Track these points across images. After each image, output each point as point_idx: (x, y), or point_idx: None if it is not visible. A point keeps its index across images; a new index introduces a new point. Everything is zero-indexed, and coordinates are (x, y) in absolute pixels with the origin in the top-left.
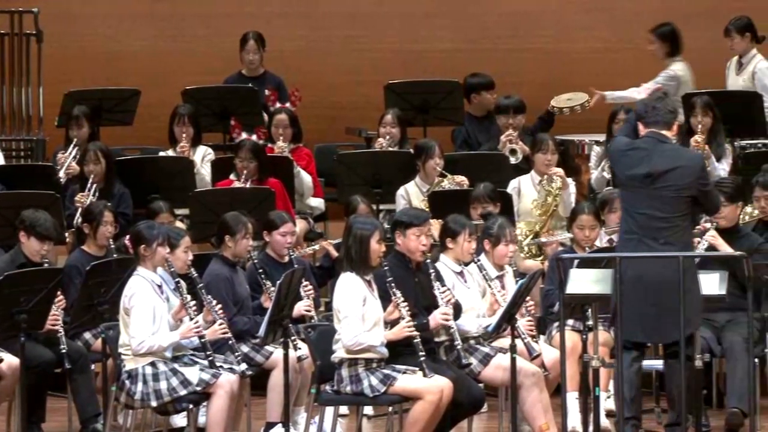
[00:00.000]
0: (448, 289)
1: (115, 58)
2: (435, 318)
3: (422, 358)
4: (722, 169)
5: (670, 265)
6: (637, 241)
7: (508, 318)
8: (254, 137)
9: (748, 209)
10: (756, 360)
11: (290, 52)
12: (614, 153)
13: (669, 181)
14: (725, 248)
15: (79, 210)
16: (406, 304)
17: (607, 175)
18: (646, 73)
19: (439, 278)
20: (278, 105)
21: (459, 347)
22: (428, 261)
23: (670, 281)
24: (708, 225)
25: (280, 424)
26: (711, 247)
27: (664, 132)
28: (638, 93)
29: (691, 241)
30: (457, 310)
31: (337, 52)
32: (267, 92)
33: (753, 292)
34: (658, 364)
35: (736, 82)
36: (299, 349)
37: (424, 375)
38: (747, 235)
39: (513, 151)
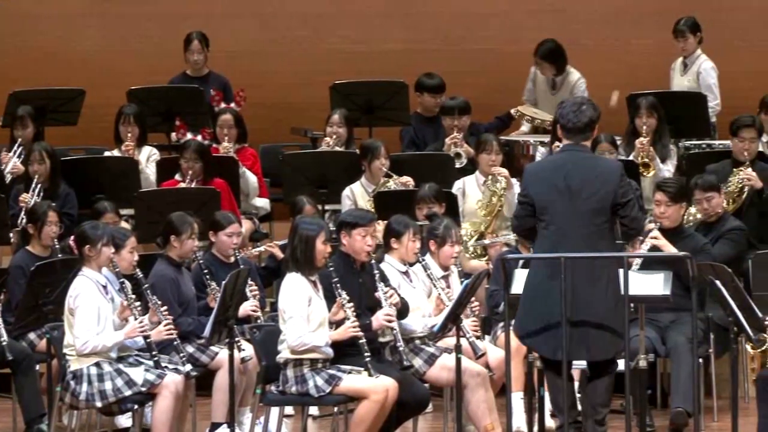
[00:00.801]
0: (393, 290)
1: (61, 58)
2: (378, 319)
3: (367, 358)
4: (667, 170)
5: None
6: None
7: (454, 318)
8: (199, 137)
9: (692, 210)
10: (700, 360)
11: (238, 53)
12: (529, 174)
13: (587, 192)
14: (669, 248)
15: (24, 210)
16: (351, 304)
17: None
18: (597, 75)
19: (384, 279)
20: (223, 105)
21: (401, 348)
22: (373, 262)
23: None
24: (652, 225)
25: (225, 425)
26: (654, 248)
27: (582, 143)
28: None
29: (614, 249)
30: (405, 309)
31: (286, 52)
32: (212, 92)
33: (697, 292)
34: None
35: (681, 82)
36: (243, 350)
37: (370, 375)
38: (691, 236)
39: (458, 155)
